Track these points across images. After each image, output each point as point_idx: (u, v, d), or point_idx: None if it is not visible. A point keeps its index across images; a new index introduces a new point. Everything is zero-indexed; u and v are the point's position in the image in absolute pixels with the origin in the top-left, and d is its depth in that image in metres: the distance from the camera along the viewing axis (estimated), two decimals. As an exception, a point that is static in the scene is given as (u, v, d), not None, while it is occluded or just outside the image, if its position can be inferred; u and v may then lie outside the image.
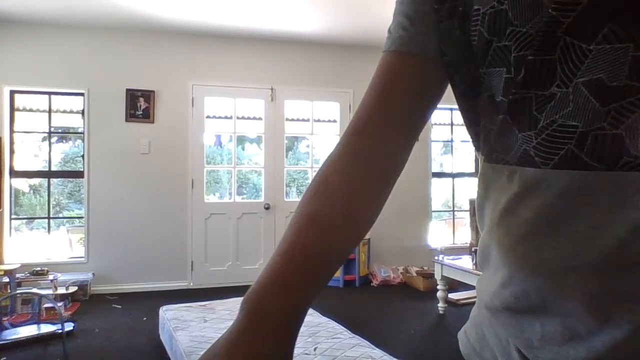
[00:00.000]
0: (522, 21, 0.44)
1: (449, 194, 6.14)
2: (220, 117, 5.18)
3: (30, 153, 5.29)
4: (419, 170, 5.43)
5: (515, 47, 0.45)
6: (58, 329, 3.22)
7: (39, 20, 4.51)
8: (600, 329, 0.42)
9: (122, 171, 4.78)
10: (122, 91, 4.77)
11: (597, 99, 0.41)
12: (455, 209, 6.00)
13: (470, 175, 6.01)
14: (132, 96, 4.79)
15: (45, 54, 4.62)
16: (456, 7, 0.50)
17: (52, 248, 4.98)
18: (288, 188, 5.91)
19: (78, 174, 4.97)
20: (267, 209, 5.14)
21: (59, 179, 5.82)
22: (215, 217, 5.03)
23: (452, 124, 5.88)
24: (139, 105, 4.80)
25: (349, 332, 2.63)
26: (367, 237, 5.02)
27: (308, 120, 5.36)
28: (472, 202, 4.48)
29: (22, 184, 6.17)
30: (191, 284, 4.93)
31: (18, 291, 3.82)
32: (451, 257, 4.08)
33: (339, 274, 4.81)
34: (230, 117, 5.14)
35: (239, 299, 2.88)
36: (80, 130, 4.91)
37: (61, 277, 4.17)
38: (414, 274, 5.02)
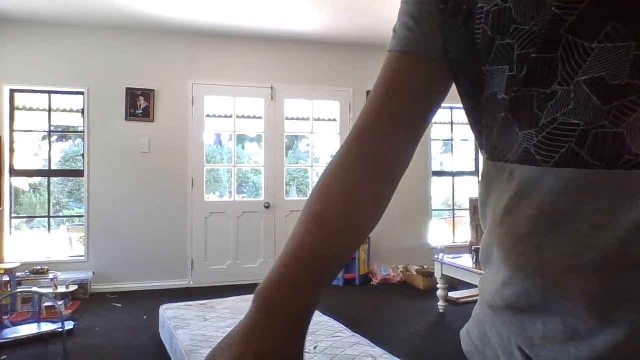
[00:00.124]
0: (525, 19, 0.44)
1: (449, 192, 6.14)
2: (220, 116, 5.18)
3: (31, 152, 5.29)
4: (419, 169, 5.43)
5: (519, 45, 0.45)
6: (58, 328, 3.22)
7: (38, 19, 4.50)
8: (601, 328, 0.41)
9: (122, 170, 4.78)
10: (122, 90, 4.77)
11: (598, 97, 0.41)
12: (456, 207, 6.00)
13: (470, 174, 6.02)
14: (132, 95, 4.79)
15: (45, 53, 4.62)
16: (460, 6, 0.51)
17: (52, 247, 4.98)
18: (288, 187, 5.92)
19: (78, 173, 4.97)
20: (267, 207, 5.14)
21: (59, 178, 5.82)
22: (215, 216, 5.03)
23: (452, 123, 5.88)
24: (139, 104, 4.80)
25: (349, 330, 2.63)
26: (367, 236, 5.01)
27: (308, 119, 5.36)
28: (472, 200, 4.48)
29: (22, 182, 6.17)
30: (191, 283, 4.93)
31: (18, 290, 3.83)
32: (451, 256, 4.08)
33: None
34: (231, 116, 5.14)
35: (239, 298, 2.89)
36: (80, 129, 4.91)
37: (61, 276, 4.17)
38: (414, 273, 5.02)
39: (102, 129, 4.74)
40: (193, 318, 2.85)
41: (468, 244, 4.50)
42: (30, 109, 4.82)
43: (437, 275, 4.05)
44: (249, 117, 5.26)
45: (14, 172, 4.73)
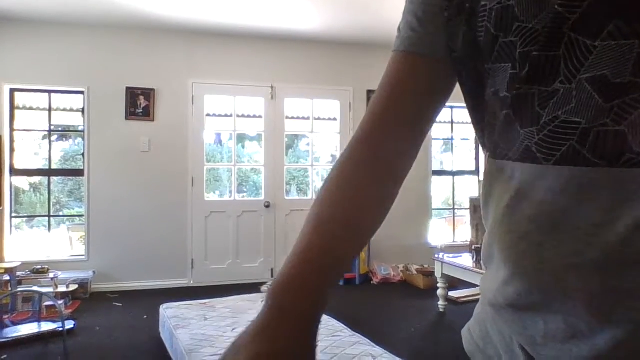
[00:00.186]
0: (528, 17, 0.44)
1: (449, 192, 6.14)
2: (220, 115, 5.18)
3: (31, 151, 5.29)
4: (419, 169, 5.42)
5: (521, 42, 0.45)
6: (59, 327, 3.22)
7: (38, 18, 4.50)
8: (602, 327, 0.41)
9: (123, 169, 4.78)
10: (122, 89, 4.76)
11: (600, 95, 0.41)
12: (456, 207, 6.00)
13: (470, 173, 6.01)
14: (132, 94, 4.79)
15: (45, 52, 4.62)
16: (463, 4, 0.51)
17: (52, 246, 4.98)
18: (288, 186, 5.92)
19: (78, 172, 4.97)
20: (267, 207, 5.14)
21: (59, 177, 5.82)
22: (215, 215, 5.03)
23: (452, 122, 5.88)
24: (139, 104, 4.80)
25: (349, 330, 2.63)
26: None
27: (308, 118, 5.36)
28: (472, 200, 4.48)
29: (22, 182, 6.17)
30: (191, 282, 4.94)
31: (19, 289, 3.83)
32: (451, 255, 4.08)
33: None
34: (231, 115, 5.14)
35: (240, 297, 2.88)
36: (80, 128, 4.91)
37: (62, 275, 4.17)
38: (414, 272, 5.02)
39: (102, 128, 4.74)
40: (193, 317, 2.85)
41: (468, 243, 4.50)
42: (31, 108, 4.82)
43: (437, 274, 4.05)
44: (249, 116, 5.26)
45: (14, 172, 4.73)
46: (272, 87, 5.16)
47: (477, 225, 4.24)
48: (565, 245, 0.43)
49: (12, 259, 4.43)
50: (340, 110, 5.39)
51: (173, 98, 4.91)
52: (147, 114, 4.82)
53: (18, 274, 3.98)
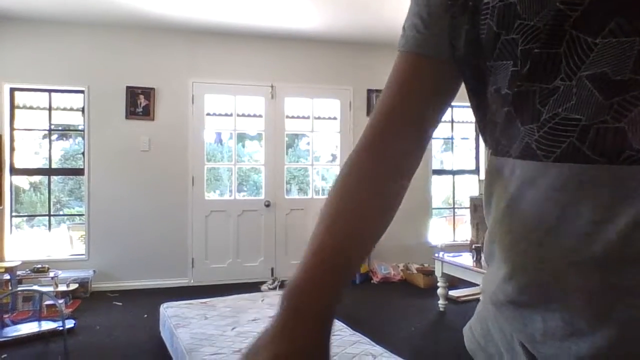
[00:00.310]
0: (530, 14, 0.44)
1: (450, 191, 6.14)
2: (220, 115, 5.17)
3: (31, 150, 5.30)
4: (419, 168, 5.35)
5: (523, 40, 0.45)
6: (59, 326, 3.22)
7: (38, 18, 4.50)
8: (601, 325, 0.41)
9: (123, 169, 4.78)
10: (122, 88, 4.76)
11: (600, 92, 0.41)
12: (456, 206, 6.00)
13: (470, 172, 6.01)
14: (132, 93, 4.79)
15: (45, 52, 4.61)
16: (467, 2, 0.51)
17: (52, 245, 4.98)
18: (288, 185, 5.92)
19: (78, 172, 4.98)
20: (267, 206, 5.14)
21: (60, 177, 5.82)
22: (215, 214, 5.03)
23: (452, 122, 5.87)
24: (139, 103, 4.80)
25: (350, 329, 2.63)
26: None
27: (308, 117, 5.36)
28: (472, 199, 4.47)
29: (22, 181, 6.18)
30: (192, 281, 4.94)
31: (19, 288, 3.83)
32: (451, 254, 4.08)
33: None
34: (231, 115, 5.14)
35: (240, 296, 2.89)
36: (80, 127, 4.90)
37: (62, 274, 4.17)
38: (415, 271, 5.03)
39: (102, 127, 4.73)
40: (193, 316, 2.85)
41: (468, 242, 4.50)
42: (31, 108, 4.82)
43: (438, 273, 4.05)
44: (249, 115, 5.26)
45: (14, 171, 4.73)
46: (272, 87, 5.16)
47: (477, 224, 4.24)
48: (565, 242, 0.43)
49: (13, 258, 4.43)
50: (340, 109, 5.39)
51: (173, 97, 4.91)
52: (147, 113, 4.82)
53: (18, 273, 3.99)
